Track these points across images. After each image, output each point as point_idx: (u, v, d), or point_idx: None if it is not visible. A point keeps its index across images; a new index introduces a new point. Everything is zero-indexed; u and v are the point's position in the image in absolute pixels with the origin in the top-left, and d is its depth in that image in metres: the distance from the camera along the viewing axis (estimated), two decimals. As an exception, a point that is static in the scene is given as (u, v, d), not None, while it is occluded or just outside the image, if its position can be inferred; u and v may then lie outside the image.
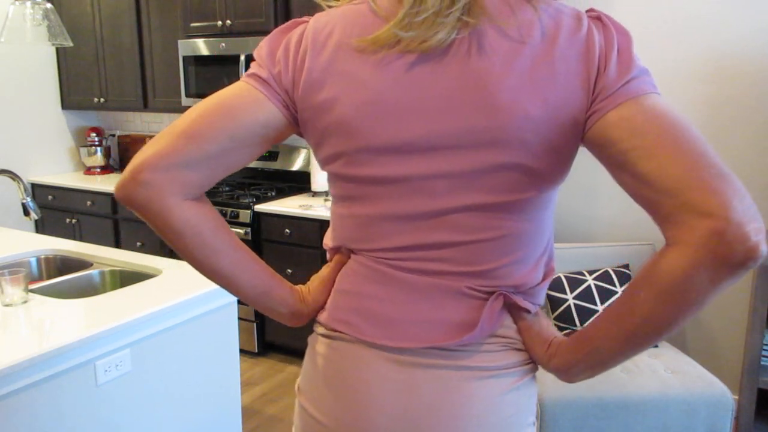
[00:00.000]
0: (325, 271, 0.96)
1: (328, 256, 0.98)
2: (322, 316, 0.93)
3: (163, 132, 0.83)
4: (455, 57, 0.79)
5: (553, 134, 0.79)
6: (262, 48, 0.88)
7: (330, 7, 0.89)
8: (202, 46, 3.57)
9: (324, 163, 0.90)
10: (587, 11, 0.82)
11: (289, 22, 0.90)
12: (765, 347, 2.40)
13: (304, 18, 0.90)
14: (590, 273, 2.61)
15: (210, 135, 0.82)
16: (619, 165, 0.74)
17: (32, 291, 1.91)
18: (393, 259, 0.87)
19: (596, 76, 0.77)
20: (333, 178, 0.90)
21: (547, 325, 0.90)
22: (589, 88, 0.77)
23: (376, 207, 0.86)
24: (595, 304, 2.52)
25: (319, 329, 0.94)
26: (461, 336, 0.84)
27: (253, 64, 0.88)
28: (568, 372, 0.85)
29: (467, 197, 0.82)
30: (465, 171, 0.81)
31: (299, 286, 0.97)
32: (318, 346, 0.93)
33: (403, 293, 0.87)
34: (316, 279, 0.97)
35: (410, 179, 0.83)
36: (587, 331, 0.81)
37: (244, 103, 0.84)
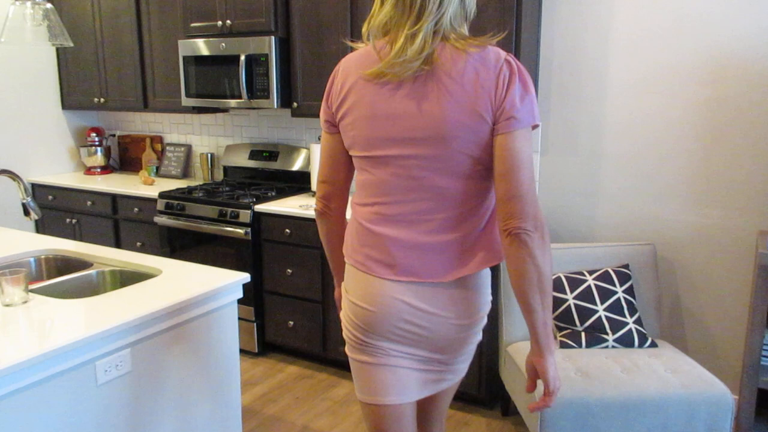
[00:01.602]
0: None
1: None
2: (349, 258, 1.51)
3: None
4: (418, 86, 1.34)
5: (477, 131, 1.32)
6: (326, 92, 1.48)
7: (355, 48, 1.46)
8: (202, 46, 3.57)
9: (349, 148, 1.46)
10: (507, 54, 1.34)
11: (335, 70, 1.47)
12: (765, 347, 2.40)
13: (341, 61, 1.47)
14: (590, 273, 2.61)
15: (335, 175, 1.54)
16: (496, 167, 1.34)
17: (32, 291, 1.91)
18: (384, 210, 1.43)
19: (503, 98, 1.29)
20: (354, 157, 1.47)
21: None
22: (493, 104, 1.30)
23: (377, 175, 1.42)
24: (595, 304, 2.51)
25: (349, 262, 1.51)
26: (446, 278, 1.42)
27: (322, 110, 1.50)
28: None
29: (429, 171, 1.36)
30: (426, 155, 1.35)
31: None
32: (351, 269, 1.50)
33: (394, 246, 1.42)
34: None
35: (396, 158, 1.38)
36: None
37: (333, 147, 1.50)
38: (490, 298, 1.52)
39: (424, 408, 1.68)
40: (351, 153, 1.45)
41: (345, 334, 1.53)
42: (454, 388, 1.66)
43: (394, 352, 1.46)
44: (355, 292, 1.47)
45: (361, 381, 1.52)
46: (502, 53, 1.33)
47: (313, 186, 3.53)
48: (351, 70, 1.40)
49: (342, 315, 1.54)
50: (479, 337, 1.54)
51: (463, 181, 1.36)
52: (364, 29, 1.43)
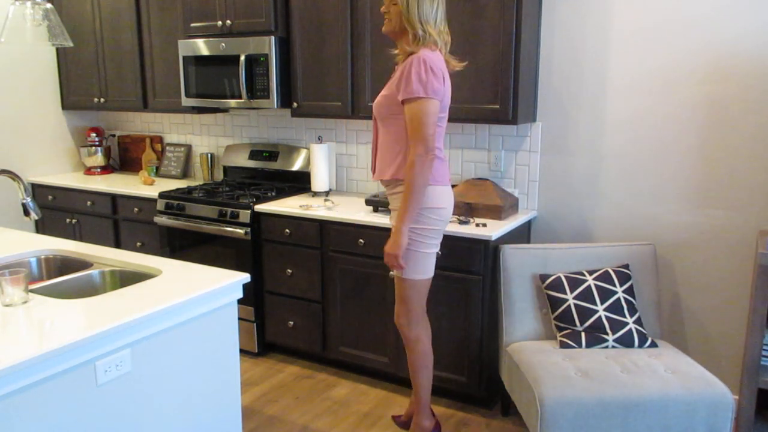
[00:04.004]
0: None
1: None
2: (444, 180, 2.46)
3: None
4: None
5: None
6: (430, 76, 2.29)
7: (432, 49, 2.36)
8: (202, 46, 3.57)
9: (441, 114, 2.38)
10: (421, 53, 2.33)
11: (428, 61, 2.29)
12: (765, 347, 2.40)
13: (430, 55, 2.32)
14: (590, 273, 2.61)
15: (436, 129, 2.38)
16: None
17: (32, 291, 1.91)
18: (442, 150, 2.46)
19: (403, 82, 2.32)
20: (440, 119, 2.39)
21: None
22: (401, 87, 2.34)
23: (442, 127, 2.43)
24: (595, 304, 2.51)
25: (443, 183, 2.46)
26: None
27: (430, 85, 2.29)
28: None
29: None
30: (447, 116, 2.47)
31: None
32: (443, 187, 2.46)
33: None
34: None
35: (446, 117, 2.46)
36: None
37: (436, 110, 2.35)
38: None
39: None
40: (441, 116, 2.40)
41: (429, 236, 2.41)
42: None
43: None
44: (447, 202, 2.43)
45: (430, 265, 2.46)
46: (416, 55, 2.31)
47: (314, 186, 3.55)
48: (444, 69, 2.39)
49: (430, 226, 2.40)
50: None
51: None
52: (439, 44, 2.37)
